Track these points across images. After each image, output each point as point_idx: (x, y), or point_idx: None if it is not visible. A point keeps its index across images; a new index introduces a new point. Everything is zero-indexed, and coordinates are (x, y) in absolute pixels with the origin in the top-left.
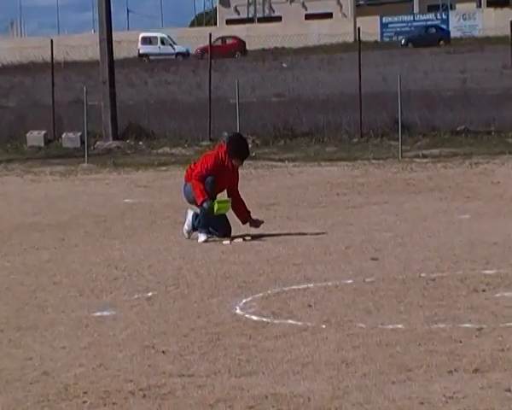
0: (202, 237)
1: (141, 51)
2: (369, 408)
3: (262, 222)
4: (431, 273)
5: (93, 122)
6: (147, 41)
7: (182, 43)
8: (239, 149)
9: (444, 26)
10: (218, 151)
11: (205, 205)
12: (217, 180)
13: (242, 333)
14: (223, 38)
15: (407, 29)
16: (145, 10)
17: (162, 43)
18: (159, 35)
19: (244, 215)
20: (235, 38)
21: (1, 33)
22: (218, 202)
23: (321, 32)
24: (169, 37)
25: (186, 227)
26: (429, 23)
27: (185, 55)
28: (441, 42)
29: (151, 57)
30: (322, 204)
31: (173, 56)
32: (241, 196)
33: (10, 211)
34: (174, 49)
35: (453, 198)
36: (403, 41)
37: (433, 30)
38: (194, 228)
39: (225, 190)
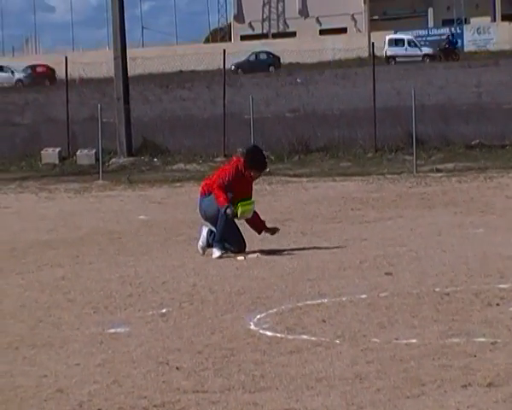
0: (217, 253)
1: (388, 53)
2: None
3: (278, 229)
4: (445, 288)
5: (108, 139)
6: (393, 43)
7: (196, 60)
8: (257, 161)
9: (272, 53)
10: (236, 163)
11: (228, 211)
12: (234, 192)
13: (256, 349)
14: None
15: (422, 43)
16: (159, 27)
17: (409, 44)
18: (405, 37)
19: (259, 225)
20: (44, 65)
21: (16, 50)
22: (242, 205)
23: (335, 47)
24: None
25: (201, 243)
26: (259, 49)
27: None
28: (271, 68)
29: (398, 59)
30: (336, 219)
31: (420, 58)
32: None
33: (25, 228)
34: (421, 50)
35: (468, 212)
36: (232, 67)
37: (264, 56)
38: (208, 244)
39: None
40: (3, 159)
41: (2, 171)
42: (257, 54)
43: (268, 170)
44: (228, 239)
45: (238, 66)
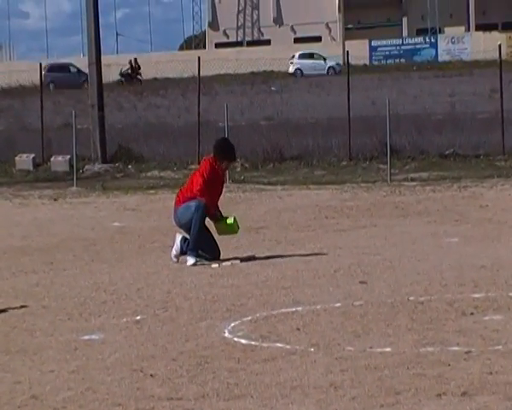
0: (191, 261)
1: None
2: None
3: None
4: (419, 297)
5: (82, 146)
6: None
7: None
8: (228, 151)
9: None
10: (208, 161)
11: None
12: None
13: (231, 357)
14: None
15: (396, 53)
16: (134, 34)
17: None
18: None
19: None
20: None
21: None
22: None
23: None
24: None
25: (174, 252)
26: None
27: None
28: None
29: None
30: (310, 227)
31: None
32: None
33: None
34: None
35: (442, 221)
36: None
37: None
38: (182, 252)
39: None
40: None
41: None
42: None
43: (242, 177)
44: (202, 247)
45: None
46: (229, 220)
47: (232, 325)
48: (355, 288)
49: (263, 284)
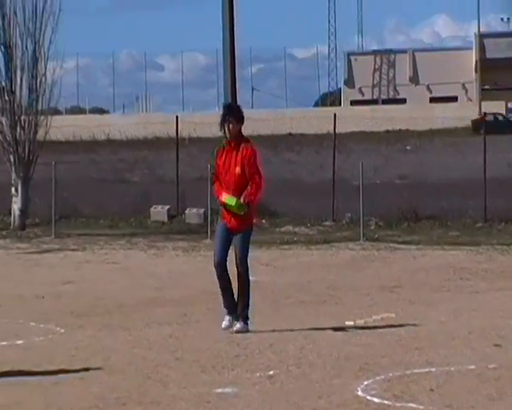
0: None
1: None
2: None
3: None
4: None
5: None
6: None
7: (305, 124)
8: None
9: None
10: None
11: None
12: None
13: None
14: None
15: None
16: (269, 89)
17: None
18: None
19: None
20: None
21: (126, 108)
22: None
23: (445, 115)
24: None
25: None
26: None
27: None
28: None
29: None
30: (445, 288)
31: None
32: None
33: (133, 285)
34: None
35: None
36: None
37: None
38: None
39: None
40: (113, 215)
41: (111, 227)
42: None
43: (376, 236)
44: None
45: None
46: (231, 201)
47: (365, 383)
48: (489, 350)
49: (396, 343)
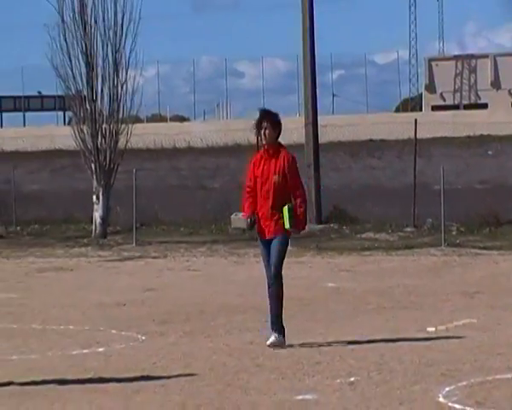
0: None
1: None
2: None
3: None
4: None
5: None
6: None
7: (386, 129)
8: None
9: None
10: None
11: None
12: None
13: None
14: None
15: None
16: (350, 95)
17: None
18: None
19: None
20: None
21: (207, 115)
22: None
23: None
24: None
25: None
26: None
27: None
28: None
29: None
30: None
31: None
32: None
33: (214, 292)
34: None
35: None
36: None
37: None
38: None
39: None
40: (194, 222)
41: (192, 234)
42: None
43: (458, 241)
44: None
45: None
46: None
47: (447, 389)
48: None
49: (477, 349)
